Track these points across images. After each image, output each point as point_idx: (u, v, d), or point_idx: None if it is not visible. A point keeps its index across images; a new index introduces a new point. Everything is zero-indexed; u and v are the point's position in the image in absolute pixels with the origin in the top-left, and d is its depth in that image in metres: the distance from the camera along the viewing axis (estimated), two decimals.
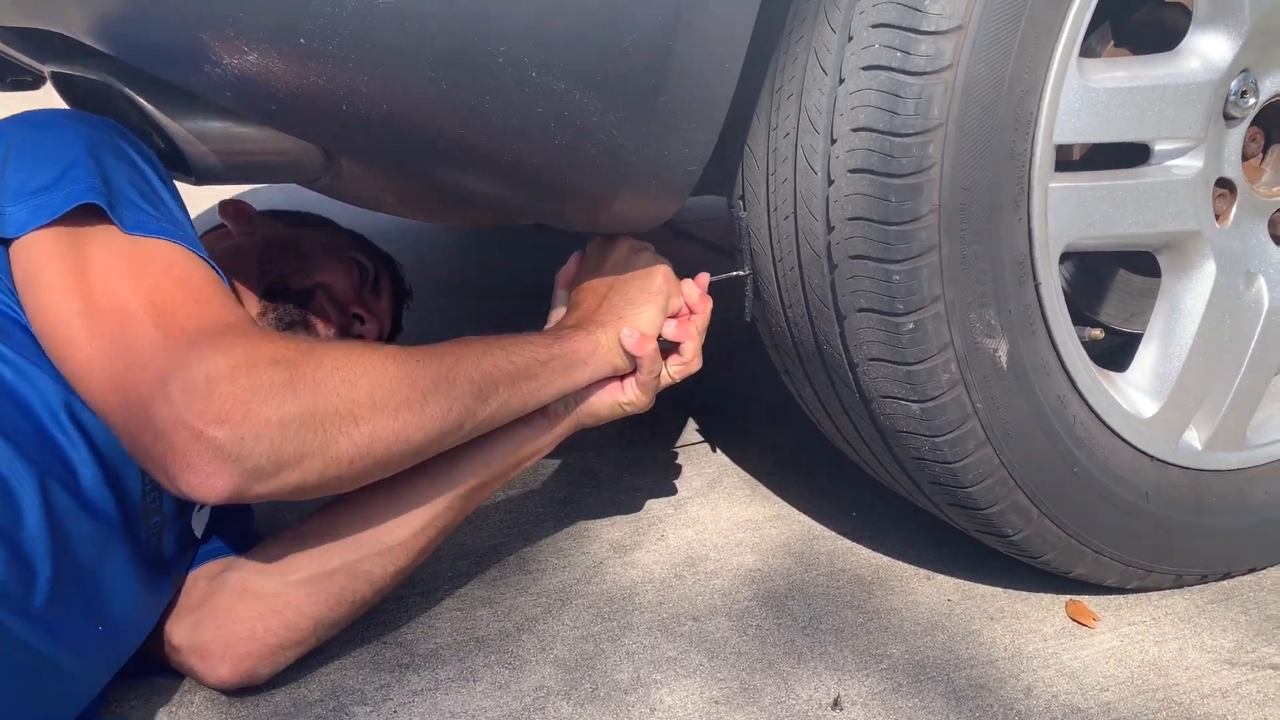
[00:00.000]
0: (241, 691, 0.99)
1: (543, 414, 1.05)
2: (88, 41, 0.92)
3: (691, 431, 1.62)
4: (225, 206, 1.26)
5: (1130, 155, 1.04)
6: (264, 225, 1.26)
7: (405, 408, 0.87)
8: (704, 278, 1.11)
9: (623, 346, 1.03)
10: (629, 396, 1.07)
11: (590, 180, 0.90)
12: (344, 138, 0.91)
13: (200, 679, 0.98)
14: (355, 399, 0.84)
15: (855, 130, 0.91)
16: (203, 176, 1.00)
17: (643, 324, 1.04)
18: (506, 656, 1.06)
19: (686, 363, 1.09)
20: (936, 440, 0.99)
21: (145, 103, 0.96)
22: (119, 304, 0.82)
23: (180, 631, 0.98)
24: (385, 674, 1.03)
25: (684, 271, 1.12)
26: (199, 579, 1.01)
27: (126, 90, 0.96)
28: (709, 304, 1.10)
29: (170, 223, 0.89)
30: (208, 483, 0.78)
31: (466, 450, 1.02)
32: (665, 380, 1.09)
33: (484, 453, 1.03)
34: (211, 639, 0.96)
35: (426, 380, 0.89)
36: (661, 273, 1.08)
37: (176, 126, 0.96)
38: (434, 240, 2.60)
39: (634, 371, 1.06)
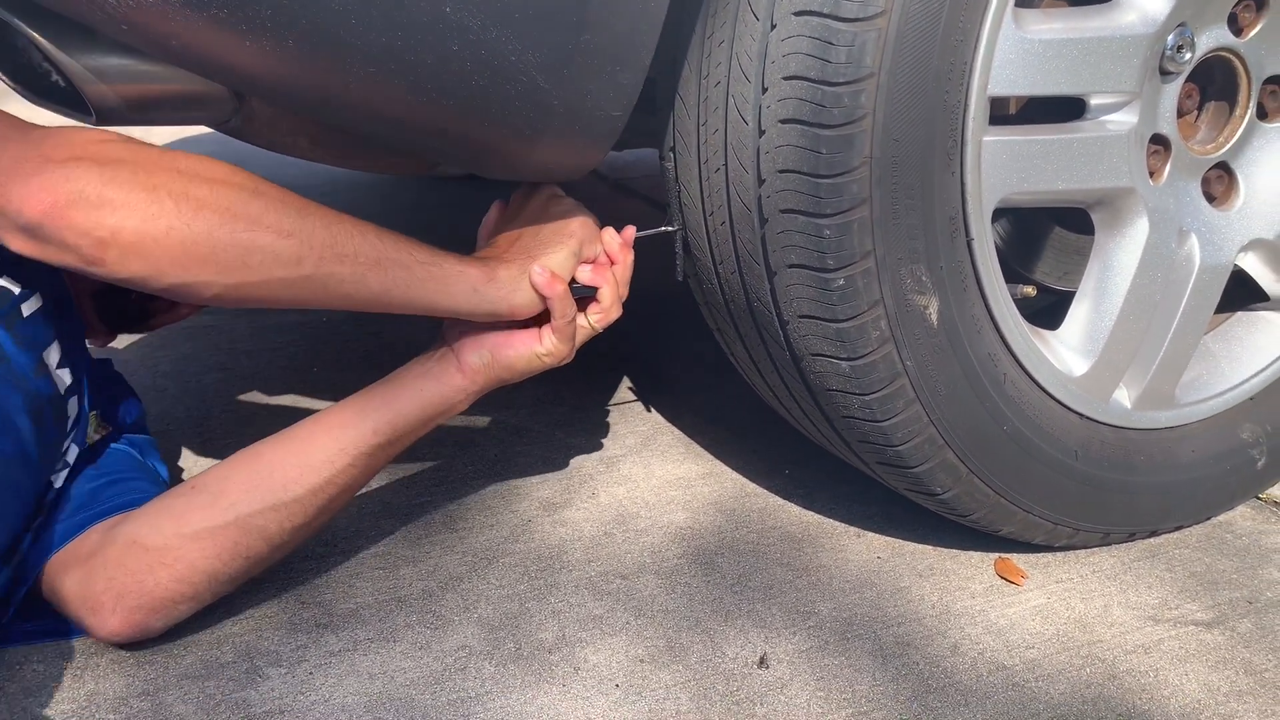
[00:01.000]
0: (151, 653, 0.97)
1: (456, 367, 1.02)
2: None
3: (625, 390, 1.60)
4: None
5: (1066, 109, 1.02)
6: None
7: (239, 209, 0.84)
8: (630, 231, 1.07)
9: (532, 284, 0.99)
10: (546, 346, 1.02)
11: (510, 125, 0.87)
12: (248, 78, 0.87)
13: (92, 632, 0.96)
14: (193, 177, 0.84)
15: (786, 79, 0.88)
16: (103, 116, 0.95)
17: (553, 264, 1.00)
18: (429, 616, 1.03)
19: (605, 310, 1.05)
20: (866, 398, 0.98)
21: (40, 37, 0.91)
22: None
23: (71, 583, 0.95)
24: (302, 634, 1.00)
25: (621, 226, 1.09)
26: (93, 532, 0.98)
27: (19, 24, 0.91)
28: (629, 255, 1.07)
29: None
30: (35, 194, 0.79)
31: (370, 404, 1.00)
32: (585, 330, 1.05)
33: (388, 407, 1.00)
34: (102, 590, 0.94)
35: (276, 200, 0.87)
36: (579, 220, 1.04)
37: (72, 63, 0.91)
38: (367, 191, 2.54)
39: (549, 321, 1.02)
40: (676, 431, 1.46)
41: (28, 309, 0.97)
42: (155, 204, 0.81)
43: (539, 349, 1.02)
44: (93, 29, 0.86)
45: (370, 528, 1.19)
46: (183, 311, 1.28)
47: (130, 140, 0.85)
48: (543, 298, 1.00)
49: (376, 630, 1.01)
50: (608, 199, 1.21)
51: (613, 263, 1.05)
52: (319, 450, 0.98)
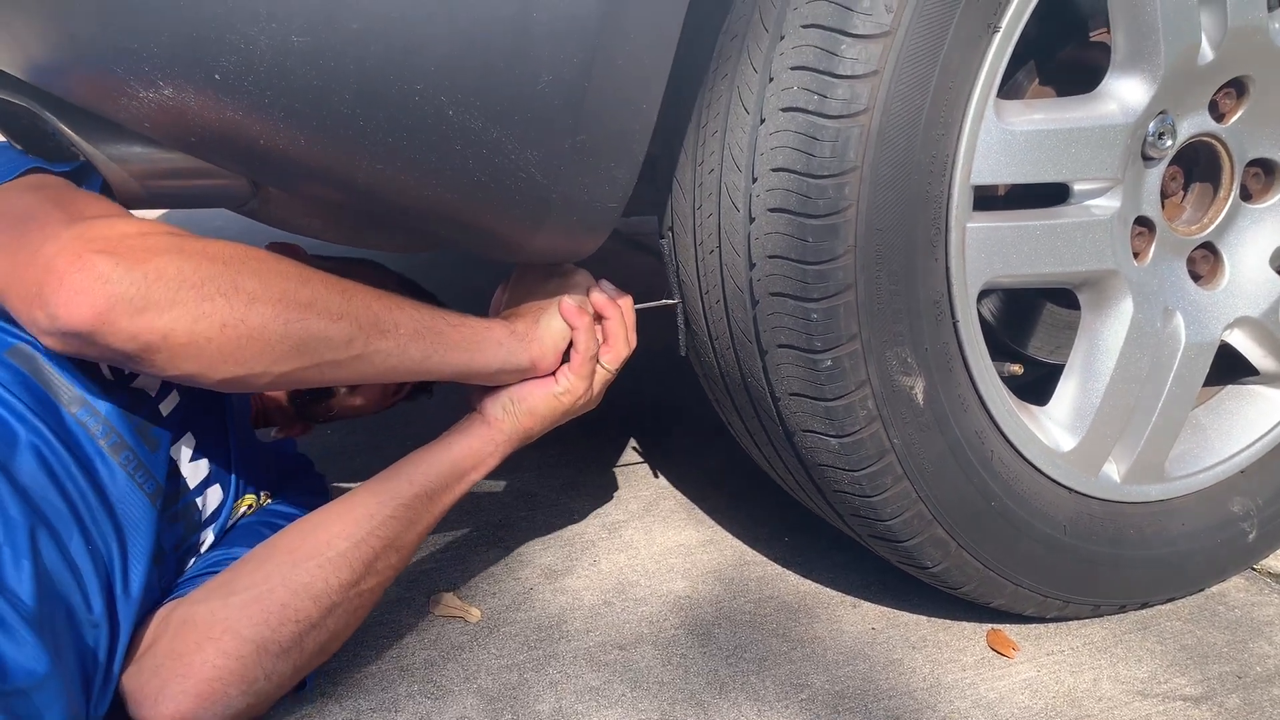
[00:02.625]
0: None
1: (481, 420, 1.05)
2: (11, 72, 0.92)
3: (631, 452, 1.63)
4: (274, 248, 1.25)
5: (1052, 193, 1.06)
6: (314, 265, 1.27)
7: (291, 298, 0.85)
8: (626, 298, 1.11)
9: (561, 314, 1.04)
10: (563, 385, 1.05)
11: (511, 216, 0.91)
12: (264, 170, 0.92)
13: None
14: (240, 273, 0.84)
15: (774, 170, 0.92)
16: (126, 201, 0.99)
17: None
18: (430, 686, 1.06)
19: (614, 347, 1.08)
20: (855, 474, 1.00)
21: (67, 129, 0.96)
22: (17, 210, 0.86)
23: (127, 679, 0.91)
24: (306, 704, 1.03)
25: (634, 285, 1.14)
26: (153, 621, 0.95)
27: (49, 116, 0.96)
28: (628, 300, 1.11)
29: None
30: (73, 300, 0.77)
31: (405, 461, 1.03)
32: (601, 374, 1.08)
33: (421, 460, 1.03)
34: (148, 680, 0.90)
35: (321, 285, 0.89)
36: (581, 272, 1.10)
37: (97, 153, 0.96)
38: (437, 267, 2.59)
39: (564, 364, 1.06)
40: (680, 496, 1.48)
41: (166, 408, 0.99)
42: (206, 301, 0.81)
43: (556, 388, 1.05)
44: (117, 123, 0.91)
45: None
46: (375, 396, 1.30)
47: (170, 230, 0.85)
48: (570, 329, 1.04)
49: (379, 700, 1.04)
50: (620, 254, 1.24)
51: (604, 315, 1.09)
52: (359, 505, 1.00)
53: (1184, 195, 1.16)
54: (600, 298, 1.08)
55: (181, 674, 0.89)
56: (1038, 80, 1.14)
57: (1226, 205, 1.14)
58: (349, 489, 1.02)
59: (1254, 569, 1.30)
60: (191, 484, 1.04)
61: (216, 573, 1.00)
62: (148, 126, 0.89)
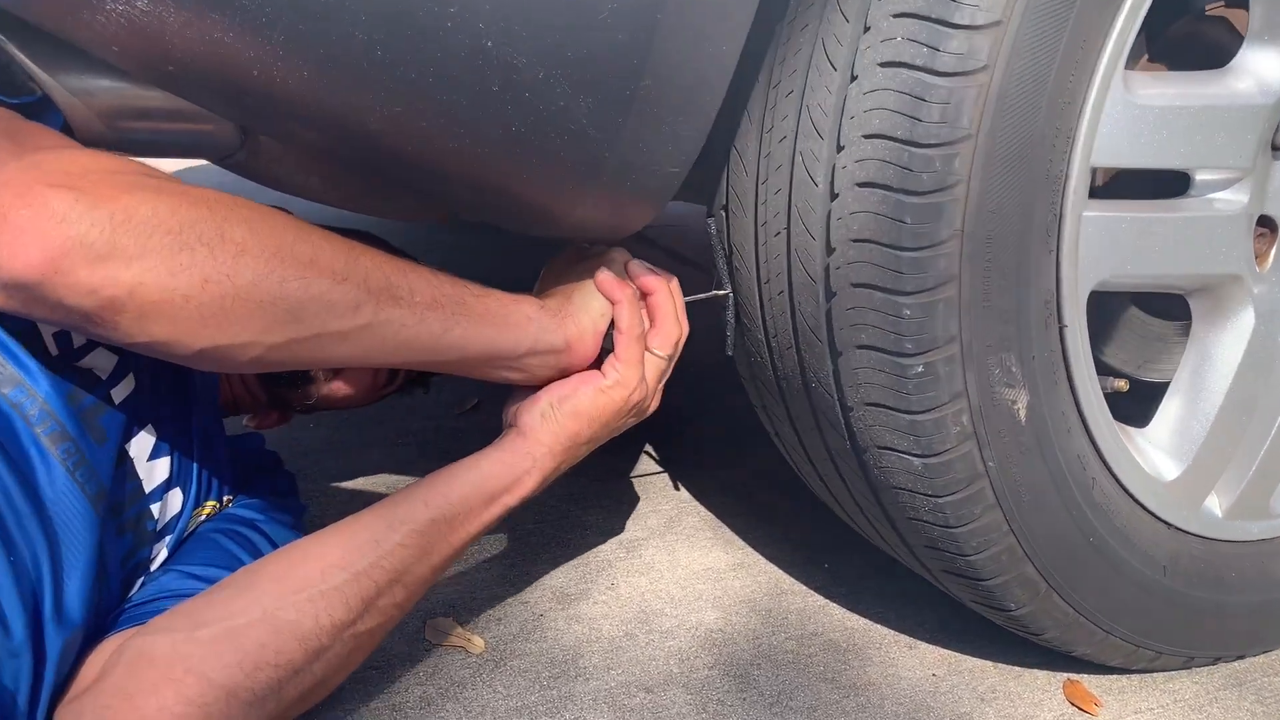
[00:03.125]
0: None
1: (516, 432, 0.88)
2: None
3: (649, 461, 1.48)
4: None
5: (1160, 186, 0.92)
6: None
7: (288, 253, 0.70)
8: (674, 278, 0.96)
9: (598, 286, 0.88)
10: (611, 378, 0.88)
11: (552, 178, 0.76)
12: (256, 112, 0.76)
13: None
14: (227, 220, 0.68)
15: (868, 137, 0.77)
16: (88, 144, 0.83)
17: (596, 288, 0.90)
18: None
19: (662, 329, 0.91)
20: (939, 500, 0.86)
21: (22, 55, 0.80)
22: None
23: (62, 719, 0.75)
24: None
25: None
26: (99, 651, 0.79)
27: (1, 39, 0.80)
28: (674, 277, 0.95)
29: None
30: (19, 241, 0.62)
31: (425, 481, 0.86)
32: (653, 362, 0.91)
33: (443, 480, 0.86)
34: None
35: (323, 240, 0.73)
36: (618, 249, 0.94)
37: (57, 85, 0.80)
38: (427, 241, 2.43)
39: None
40: (704, 512, 1.33)
41: (120, 394, 0.83)
42: (184, 251, 0.66)
43: (603, 382, 0.88)
44: (80, 49, 0.75)
45: None
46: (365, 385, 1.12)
47: (144, 168, 0.70)
48: (611, 305, 0.89)
49: None
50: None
51: (648, 292, 0.93)
52: (364, 529, 0.82)
53: None
54: (640, 268, 0.92)
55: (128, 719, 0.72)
56: (1147, 56, 1.00)
57: None
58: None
59: None
60: (147, 487, 0.87)
61: (175, 597, 0.83)
62: (116, 52, 0.73)
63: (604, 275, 0.89)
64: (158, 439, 0.88)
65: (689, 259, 1.26)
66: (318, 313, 0.71)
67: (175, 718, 0.71)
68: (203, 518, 0.97)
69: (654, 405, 0.93)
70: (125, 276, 0.64)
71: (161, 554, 0.91)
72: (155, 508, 0.89)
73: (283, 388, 1.08)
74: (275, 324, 0.69)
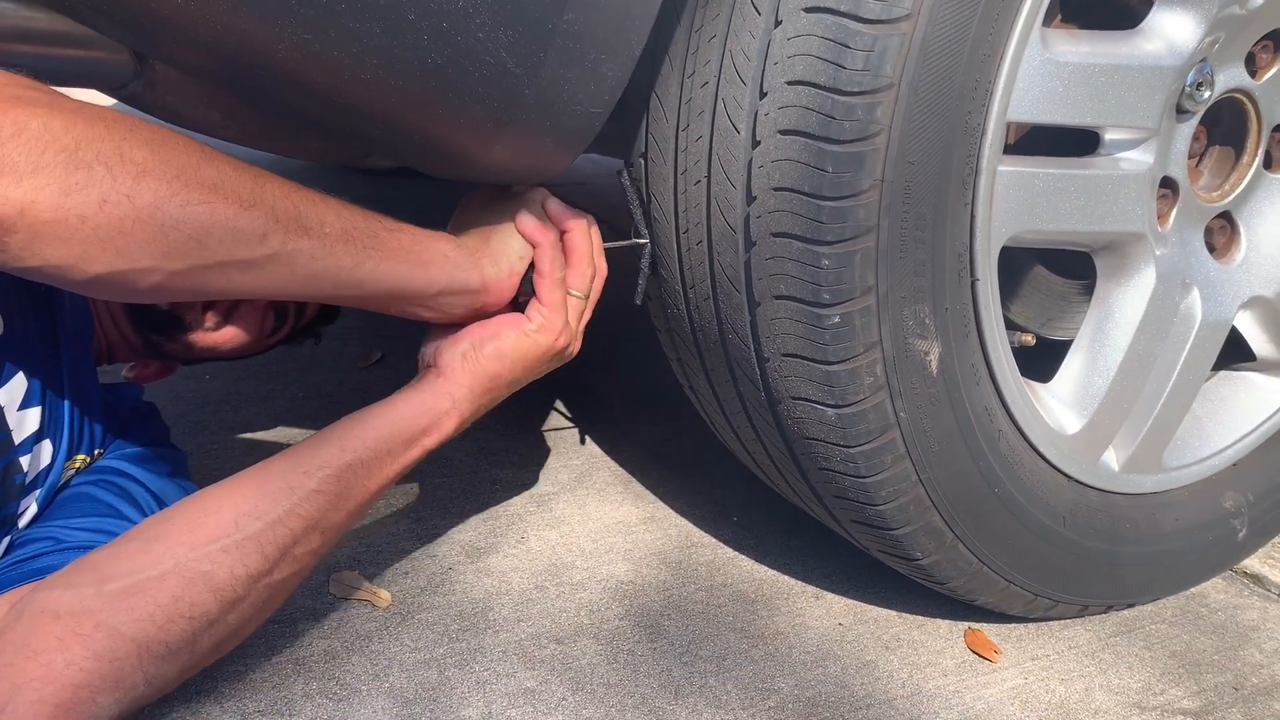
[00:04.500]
0: None
1: (435, 371, 0.86)
2: None
3: (559, 416, 1.47)
4: None
5: (1068, 144, 0.93)
6: None
7: (192, 175, 0.66)
8: (590, 218, 0.94)
9: (519, 230, 0.86)
10: (536, 321, 0.87)
11: (468, 115, 0.73)
12: (152, 37, 0.71)
13: None
14: (127, 140, 0.64)
15: (791, 83, 0.76)
16: None
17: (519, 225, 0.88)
18: (331, 684, 0.88)
19: (580, 268, 0.90)
20: (850, 450, 0.86)
21: None
22: None
23: None
24: (180, 706, 0.84)
25: None
26: None
27: None
28: (591, 217, 0.93)
29: None
30: None
31: (340, 424, 0.83)
32: (574, 302, 0.90)
33: (359, 422, 0.83)
34: None
35: (228, 165, 0.69)
36: (538, 190, 0.91)
37: None
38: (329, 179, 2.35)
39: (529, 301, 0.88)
40: (614, 467, 1.33)
41: None
42: (81, 170, 0.62)
43: (528, 325, 0.87)
44: None
45: None
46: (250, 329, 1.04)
47: (34, 83, 0.65)
48: (531, 247, 0.87)
49: (269, 700, 0.85)
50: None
51: (565, 230, 0.91)
52: (277, 476, 0.79)
53: (1201, 159, 1.05)
54: (559, 208, 0.90)
55: (39, 678, 0.68)
56: (1060, 17, 1.02)
57: (1250, 172, 1.03)
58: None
59: (1232, 569, 1.22)
60: (16, 438, 0.82)
61: (63, 551, 0.79)
62: None
63: (525, 217, 0.87)
64: (28, 387, 0.83)
65: (604, 218, 1.24)
66: (222, 239, 0.67)
67: (84, 673, 0.68)
68: (73, 471, 0.92)
69: (575, 348, 0.92)
70: (15, 194, 0.59)
71: (31, 509, 0.86)
72: (24, 460, 0.84)
73: (159, 335, 1.02)
74: (177, 250, 0.65)
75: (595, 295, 0.93)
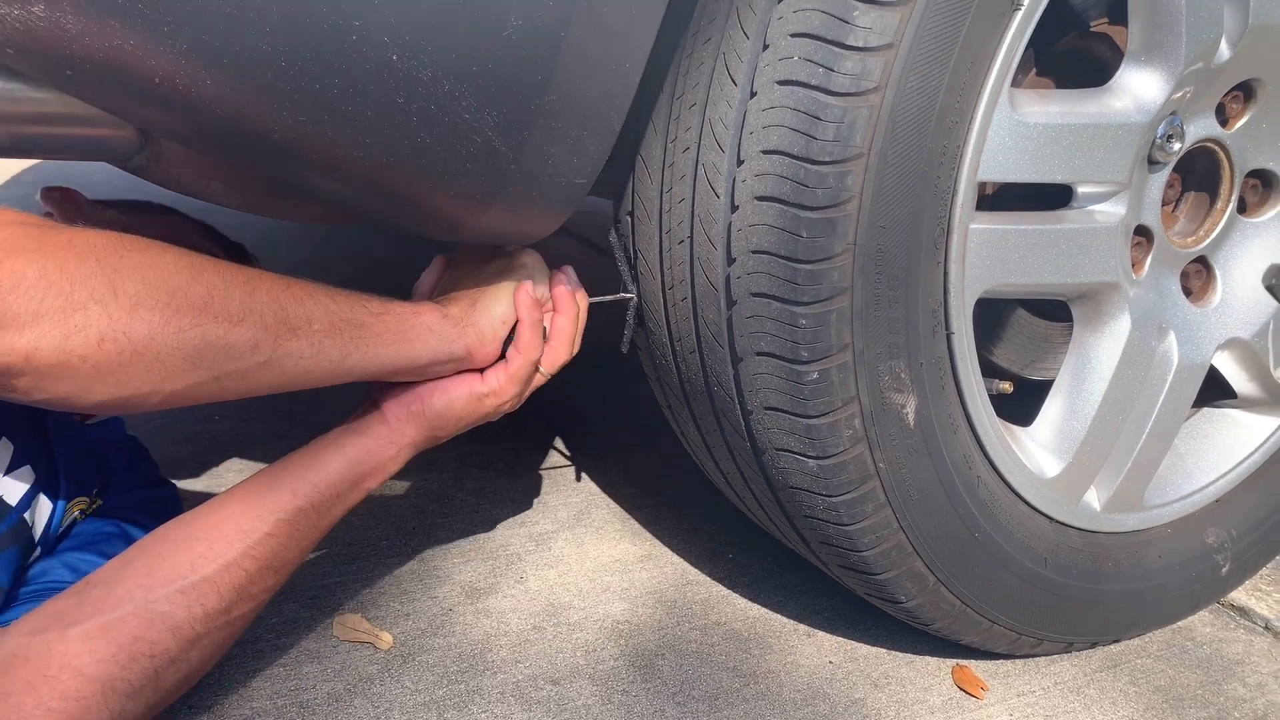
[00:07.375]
0: None
1: (380, 419, 0.89)
2: None
3: (557, 454, 1.50)
4: (49, 194, 1.05)
5: (1044, 197, 0.96)
6: (95, 214, 1.06)
7: (183, 299, 0.70)
8: (584, 296, 0.98)
9: (515, 301, 0.90)
10: (490, 384, 0.90)
11: (459, 189, 0.76)
12: (157, 118, 0.75)
13: None
14: (118, 271, 0.68)
15: (766, 152, 0.80)
16: None
17: (507, 298, 0.91)
18: None
19: (555, 349, 0.93)
20: (833, 500, 0.89)
21: None
22: None
23: None
24: None
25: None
26: None
27: None
28: (582, 295, 0.97)
29: None
30: None
31: (288, 466, 0.87)
32: (536, 378, 0.94)
33: (307, 466, 0.87)
34: None
35: (217, 278, 0.73)
36: (529, 253, 0.95)
37: None
38: (295, 230, 2.39)
39: (497, 362, 0.92)
40: (612, 504, 1.36)
41: None
42: (78, 311, 0.65)
43: (480, 387, 0.90)
44: None
45: (270, 613, 1.06)
46: None
47: (22, 219, 0.68)
48: (516, 320, 0.91)
49: None
50: (575, 257, 1.10)
51: (558, 310, 0.95)
52: (230, 520, 0.83)
53: (1176, 205, 1.08)
54: (563, 291, 0.94)
55: (9, 719, 0.72)
56: (1035, 71, 1.05)
57: (1224, 218, 1.06)
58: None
59: (1219, 602, 1.24)
60: (11, 500, 0.86)
61: (48, 593, 0.83)
62: (10, 54, 0.72)
63: (524, 292, 0.91)
64: (15, 450, 0.87)
65: (603, 248, 1.27)
66: (216, 357, 0.72)
67: (53, 713, 0.72)
68: (74, 516, 0.96)
69: (516, 408, 0.95)
70: (20, 344, 0.63)
71: (37, 552, 0.90)
72: (27, 516, 0.88)
73: None
74: (174, 373, 0.70)
75: (557, 371, 0.96)
